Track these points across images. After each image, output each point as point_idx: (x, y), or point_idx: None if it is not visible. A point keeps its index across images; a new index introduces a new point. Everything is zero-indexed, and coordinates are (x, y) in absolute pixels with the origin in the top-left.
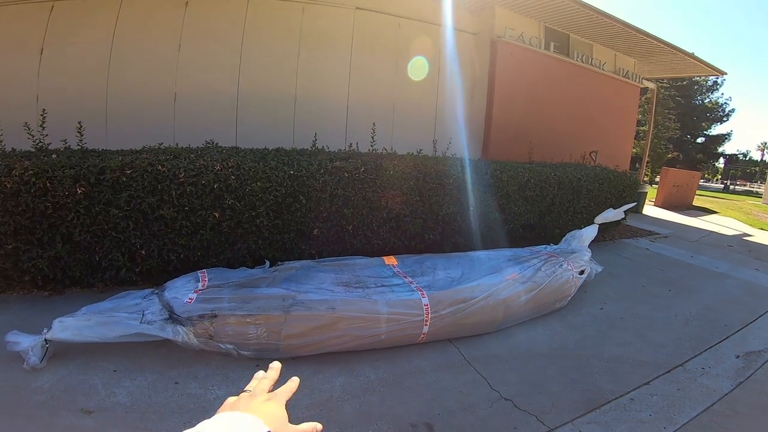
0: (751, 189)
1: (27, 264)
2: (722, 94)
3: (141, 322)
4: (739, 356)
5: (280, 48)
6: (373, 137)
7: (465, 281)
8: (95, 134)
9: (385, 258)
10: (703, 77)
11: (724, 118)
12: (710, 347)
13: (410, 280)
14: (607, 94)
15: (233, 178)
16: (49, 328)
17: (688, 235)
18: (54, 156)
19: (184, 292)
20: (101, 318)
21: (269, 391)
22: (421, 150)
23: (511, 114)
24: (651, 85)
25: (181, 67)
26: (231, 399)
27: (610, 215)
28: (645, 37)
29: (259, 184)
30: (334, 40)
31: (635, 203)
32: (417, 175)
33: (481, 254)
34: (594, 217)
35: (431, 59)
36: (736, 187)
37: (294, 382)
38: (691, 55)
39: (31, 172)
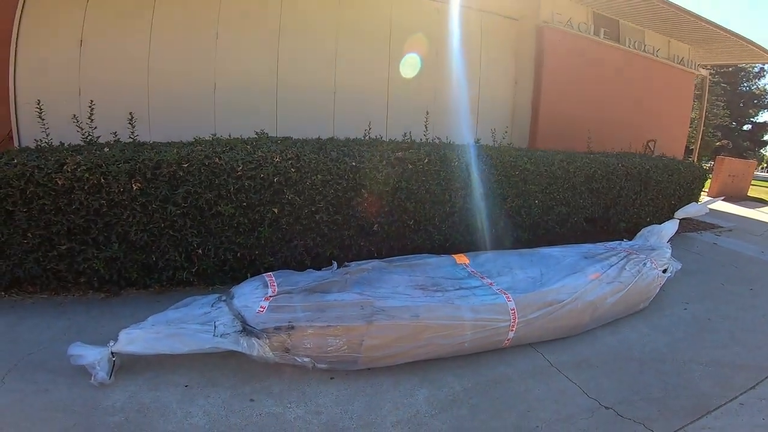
0: None
1: (82, 265)
2: None
3: (214, 335)
4: None
5: (319, 39)
6: (426, 126)
7: (548, 282)
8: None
9: (456, 256)
10: (749, 64)
11: None
12: None
13: (489, 281)
14: (661, 81)
15: (293, 170)
16: (116, 340)
17: (753, 228)
18: (106, 149)
19: (253, 299)
20: (171, 330)
21: None
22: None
23: (561, 103)
24: (704, 72)
25: (219, 57)
26: None
27: (693, 210)
28: (699, 22)
29: (320, 176)
30: (372, 31)
31: (722, 198)
32: (482, 167)
33: (554, 251)
34: (674, 212)
35: (472, 47)
36: None
37: None
38: (750, 42)
39: (84, 167)
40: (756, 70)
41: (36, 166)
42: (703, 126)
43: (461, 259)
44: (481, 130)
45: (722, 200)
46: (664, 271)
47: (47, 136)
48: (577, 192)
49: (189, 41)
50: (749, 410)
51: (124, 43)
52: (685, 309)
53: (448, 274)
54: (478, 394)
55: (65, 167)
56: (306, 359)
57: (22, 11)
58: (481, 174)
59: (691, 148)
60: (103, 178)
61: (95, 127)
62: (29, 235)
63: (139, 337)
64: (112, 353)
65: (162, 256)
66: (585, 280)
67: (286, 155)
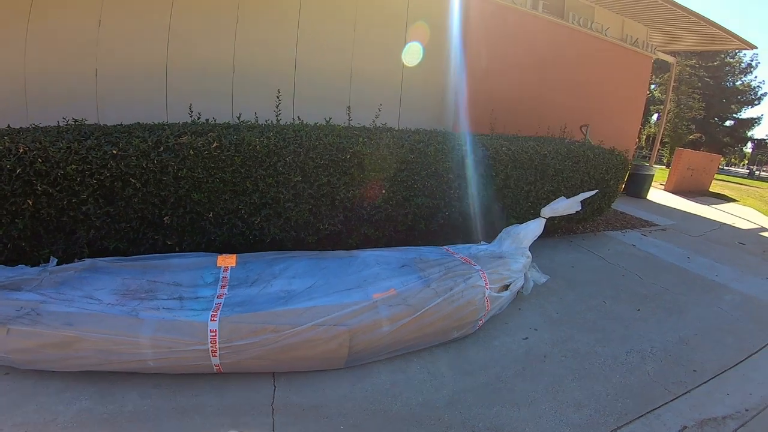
0: None
1: None
2: (755, 77)
3: None
4: (686, 428)
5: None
6: (278, 107)
7: (299, 300)
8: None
9: (221, 257)
10: (733, 55)
11: (756, 102)
12: (654, 409)
13: (223, 292)
14: (610, 63)
15: (39, 161)
16: None
17: (694, 228)
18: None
19: None
20: None
21: None
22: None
23: (485, 82)
24: (669, 59)
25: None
26: None
27: (561, 206)
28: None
29: (73, 167)
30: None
31: (596, 191)
32: (297, 150)
33: (370, 255)
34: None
35: (396, 18)
36: (762, 173)
37: None
38: (714, 24)
39: None
40: (743, 65)
41: None
42: (676, 118)
43: (226, 260)
44: (405, 113)
45: (667, 192)
46: (505, 288)
47: None
48: (444, 180)
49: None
50: None
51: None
52: (526, 338)
53: (189, 279)
54: (147, 420)
55: None
56: None
57: None
58: (296, 158)
59: (665, 141)
60: None
61: None
62: None
63: None
64: None
65: None
66: (362, 298)
67: (33, 146)
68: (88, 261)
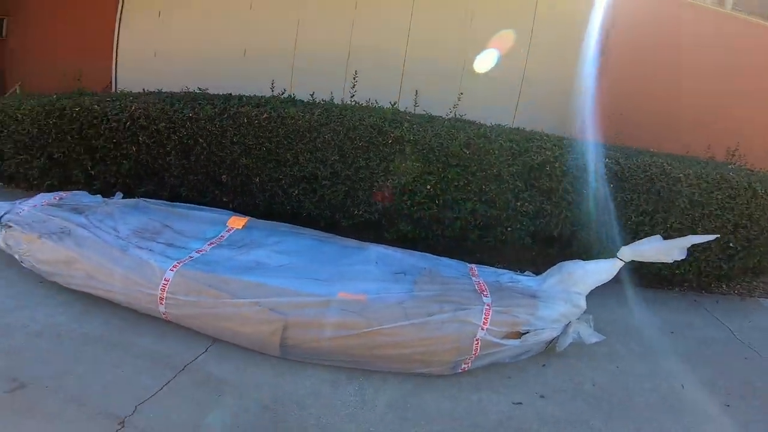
0: None
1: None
2: None
3: None
4: None
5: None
6: (353, 87)
7: (260, 274)
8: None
9: (233, 218)
10: None
11: None
12: None
13: (205, 249)
14: None
15: (142, 118)
16: None
17: None
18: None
19: (29, 203)
20: None
21: None
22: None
23: (624, 85)
24: None
25: None
26: None
27: (650, 249)
28: None
29: (162, 124)
30: None
31: (715, 237)
32: (336, 128)
33: (375, 251)
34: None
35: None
36: None
37: None
38: None
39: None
40: None
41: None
42: None
43: (236, 222)
44: (524, 112)
45: None
46: (520, 334)
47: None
48: (509, 187)
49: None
50: None
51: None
52: (518, 404)
53: (194, 230)
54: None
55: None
56: (16, 256)
57: None
58: (335, 138)
59: None
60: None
61: None
62: None
63: None
64: None
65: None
66: (323, 291)
67: (138, 107)
68: (136, 200)
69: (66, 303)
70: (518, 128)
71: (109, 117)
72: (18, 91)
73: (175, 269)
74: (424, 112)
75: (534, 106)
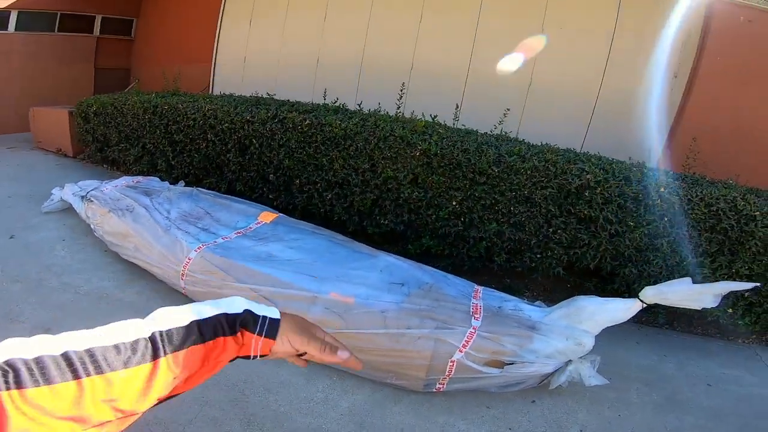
0: None
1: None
2: None
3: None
4: None
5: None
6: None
7: (268, 265)
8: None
9: (264, 212)
10: None
11: None
12: None
13: (231, 236)
14: None
15: (211, 119)
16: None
17: None
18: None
19: (108, 184)
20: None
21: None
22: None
23: (727, 107)
24: None
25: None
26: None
27: (677, 292)
28: None
29: (226, 125)
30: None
31: (754, 285)
32: (368, 138)
33: (385, 260)
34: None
35: (599, 21)
36: None
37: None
38: None
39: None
40: None
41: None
42: None
43: (266, 216)
44: (594, 133)
45: None
46: (503, 364)
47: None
48: (540, 211)
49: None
50: None
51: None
52: None
53: (229, 219)
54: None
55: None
56: (92, 225)
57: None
58: (367, 147)
59: None
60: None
61: None
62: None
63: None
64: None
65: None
66: (310, 287)
67: (209, 108)
68: (191, 188)
69: (117, 271)
70: (562, 148)
71: (188, 115)
72: (136, 88)
73: (199, 250)
74: (463, 126)
75: (606, 128)
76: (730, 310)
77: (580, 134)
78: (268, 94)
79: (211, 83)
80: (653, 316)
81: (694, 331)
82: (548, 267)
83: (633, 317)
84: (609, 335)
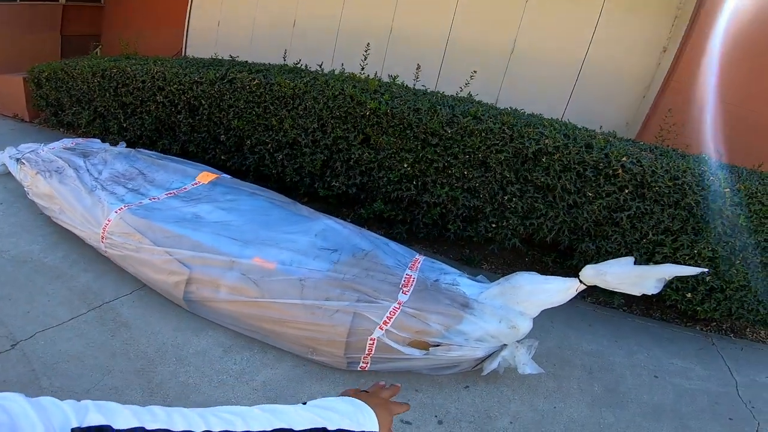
0: None
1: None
2: None
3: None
4: None
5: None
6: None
7: (193, 226)
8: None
9: (203, 173)
10: None
11: None
12: None
13: (160, 197)
14: None
15: (160, 81)
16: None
17: None
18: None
19: (46, 147)
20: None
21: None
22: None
23: (716, 84)
24: None
25: None
26: (352, 390)
27: (616, 273)
28: None
29: (175, 87)
30: None
31: (702, 270)
32: (317, 97)
33: (323, 223)
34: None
35: None
36: None
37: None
38: None
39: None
40: None
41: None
42: None
43: (204, 177)
44: (579, 101)
45: None
46: (429, 346)
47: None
48: (495, 177)
49: None
50: None
51: None
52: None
53: (165, 179)
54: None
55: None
56: (25, 187)
57: None
58: (315, 106)
59: None
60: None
61: None
62: None
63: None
64: None
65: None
66: (230, 251)
67: (158, 70)
68: (130, 149)
69: (46, 234)
70: (521, 111)
71: (137, 78)
72: (98, 53)
73: (120, 212)
74: (423, 87)
75: (588, 100)
76: (689, 295)
77: (562, 104)
78: (231, 57)
79: (183, 48)
80: (610, 297)
81: (653, 315)
82: (504, 238)
83: (590, 297)
84: (562, 315)
